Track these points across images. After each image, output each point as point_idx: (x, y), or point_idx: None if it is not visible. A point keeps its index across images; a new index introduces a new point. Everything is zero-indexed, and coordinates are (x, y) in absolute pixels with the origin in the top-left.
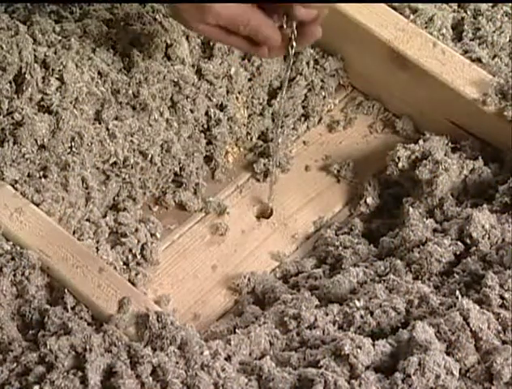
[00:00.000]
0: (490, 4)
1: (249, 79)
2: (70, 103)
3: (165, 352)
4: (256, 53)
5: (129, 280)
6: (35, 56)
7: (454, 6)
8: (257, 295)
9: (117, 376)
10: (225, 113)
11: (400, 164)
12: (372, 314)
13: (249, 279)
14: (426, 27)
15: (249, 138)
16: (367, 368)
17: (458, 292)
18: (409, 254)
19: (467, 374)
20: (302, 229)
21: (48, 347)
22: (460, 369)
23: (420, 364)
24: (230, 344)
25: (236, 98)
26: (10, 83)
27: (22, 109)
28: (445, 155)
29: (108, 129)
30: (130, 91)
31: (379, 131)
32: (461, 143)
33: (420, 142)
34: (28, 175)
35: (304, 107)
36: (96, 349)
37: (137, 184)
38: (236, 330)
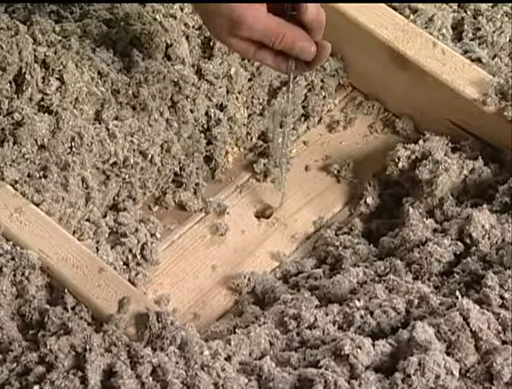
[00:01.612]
0: (490, 4)
1: (249, 79)
2: (70, 103)
3: (165, 352)
4: (284, 69)
5: (129, 280)
6: (35, 56)
7: (454, 6)
8: (257, 295)
9: (117, 376)
10: (225, 113)
11: (400, 164)
12: (372, 314)
13: (249, 279)
14: (426, 27)
15: (249, 138)
16: (367, 368)
17: (458, 292)
18: (409, 254)
19: (467, 374)
20: (302, 229)
21: (48, 347)
22: (460, 369)
23: (420, 364)
24: (230, 344)
25: (236, 98)
26: (10, 83)
27: (22, 109)
28: (445, 155)
29: (108, 129)
30: (130, 91)
31: (379, 131)
32: (461, 143)
33: (420, 142)
34: (28, 175)
35: (304, 107)
36: (96, 349)
37: (137, 184)
38: (236, 330)
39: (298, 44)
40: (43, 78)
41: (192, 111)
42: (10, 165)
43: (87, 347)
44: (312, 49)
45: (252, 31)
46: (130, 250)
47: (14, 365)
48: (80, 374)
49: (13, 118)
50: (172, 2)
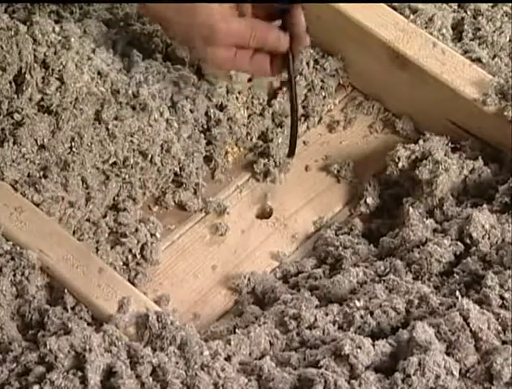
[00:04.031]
0: (490, 4)
1: (249, 79)
2: (70, 103)
3: (165, 352)
4: (262, 70)
5: (129, 280)
6: (35, 56)
7: (454, 6)
8: (257, 295)
9: (117, 376)
10: (225, 113)
11: (400, 164)
12: (372, 314)
13: (249, 279)
14: (426, 27)
15: (249, 138)
16: (367, 368)
17: (458, 292)
18: (409, 254)
19: (467, 374)
20: (302, 229)
21: (48, 347)
22: (460, 369)
23: (420, 364)
24: (230, 344)
25: (236, 98)
26: (10, 83)
27: (22, 109)
28: (445, 155)
29: (108, 129)
30: (130, 91)
31: (379, 131)
32: (461, 143)
33: (420, 142)
34: (28, 175)
35: (304, 107)
36: (96, 349)
37: (137, 184)
38: (236, 330)
39: (271, 36)
40: (43, 78)
41: (192, 111)
42: (10, 165)
43: (87, 347)
44: (283, 39)
45: (228, 36)
46: (130, 250)
47: (14, 365)
48: (80, 374)
49: (13, 118)
50: (171, 2)
